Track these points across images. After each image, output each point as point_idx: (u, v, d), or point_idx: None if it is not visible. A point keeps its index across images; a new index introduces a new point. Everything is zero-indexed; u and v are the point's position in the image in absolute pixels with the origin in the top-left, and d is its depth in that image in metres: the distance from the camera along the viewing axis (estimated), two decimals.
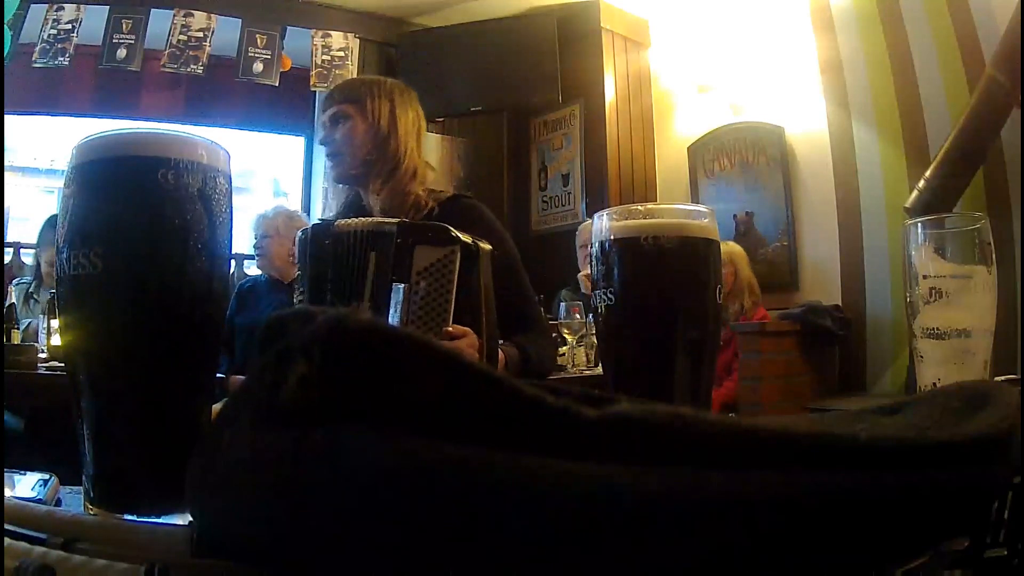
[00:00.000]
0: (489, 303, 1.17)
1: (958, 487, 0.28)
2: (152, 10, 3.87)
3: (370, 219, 1.17)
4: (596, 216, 0.67)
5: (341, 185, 1.56)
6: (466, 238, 1.11)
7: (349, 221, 1.16)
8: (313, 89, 4.31)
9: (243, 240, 4.10)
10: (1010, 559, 0.31)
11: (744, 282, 3.26)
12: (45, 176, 4.95)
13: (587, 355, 2.79)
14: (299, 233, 1.19)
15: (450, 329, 1.08)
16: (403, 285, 1.07)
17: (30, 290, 3.19)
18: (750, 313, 3.25)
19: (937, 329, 0.68)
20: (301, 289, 1.16)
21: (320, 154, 4.80)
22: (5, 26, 3.50)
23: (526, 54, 4.27)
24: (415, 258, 1.08)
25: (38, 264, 3.25)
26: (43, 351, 2.42)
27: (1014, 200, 2.89)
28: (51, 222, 3.26)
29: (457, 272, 1.09)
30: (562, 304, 2.79)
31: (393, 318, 1.06)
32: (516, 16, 4.39)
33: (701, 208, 0.66)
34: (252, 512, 0.30)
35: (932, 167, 2.94)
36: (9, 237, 3.95)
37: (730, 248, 3.26)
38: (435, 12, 4.53)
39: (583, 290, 3.17)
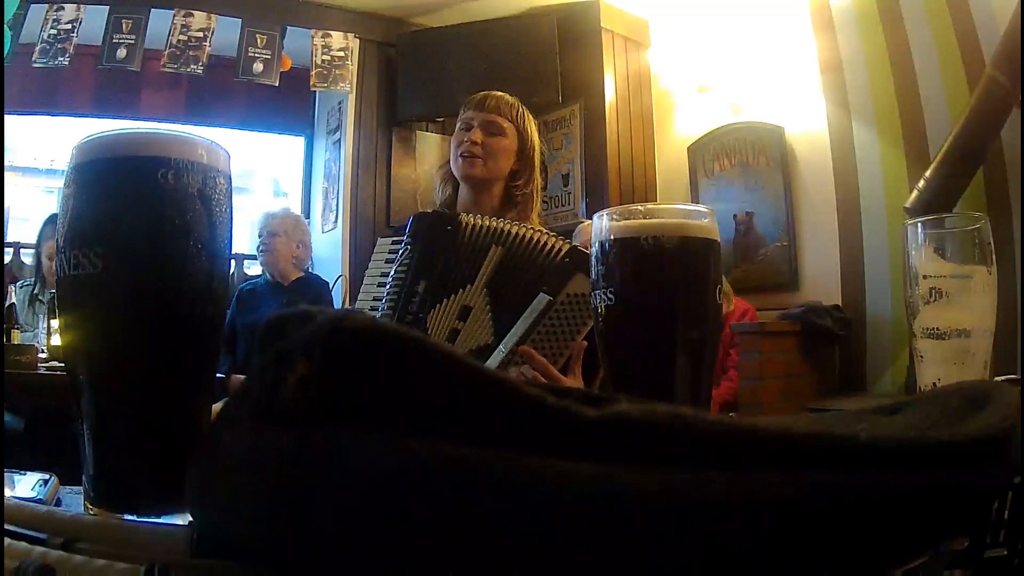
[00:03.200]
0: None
1: (958, 487, 0.28)
2: (152, 10, 3.87)
3: (529, 227, 1.24)
4: (596, 216, 0.67)
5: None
6: None
7: (485, 217, 1.24)
8: (313, 89, 4.32)
9: (243, 240, 4.10)
10: (1010, 559, 0.31)
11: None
12: (45, 176, 4.95)
13: None
14: (417, 217, 1.27)
15: (581, 345, 1.12)
16: (549, 298, 1.11)
17: (34, 291, 3.18)
18: (728, 308, 3.24)
19: (937, 329, 0.68)
20: (407, 261, 1.21)
21: (320, 154, 4.82)
22: (5, 26, 3.50)
23: (526, 54, 4.27)
24: (572, 281, 1.13)
25: (39, 264, 3.24)
26: (43, 351, 2.42)
27: (1014, 200, 2.89)
28: (51, 220, 3.26)
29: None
30: None
31: (523, 322, 1.11)
32: (516, 16, 4.39)
33: (701, 208, 0.66)
34: (252, 512, 0.30)
35: (932, 167, 2.94)
36: (9, 237, 3.96)
37: None
38: (435, 12, 4.53)
39: None
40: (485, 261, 1.18)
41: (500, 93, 1.54)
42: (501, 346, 1.12)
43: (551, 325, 1.11)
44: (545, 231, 1.25)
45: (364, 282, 1.30)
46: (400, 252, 1.23)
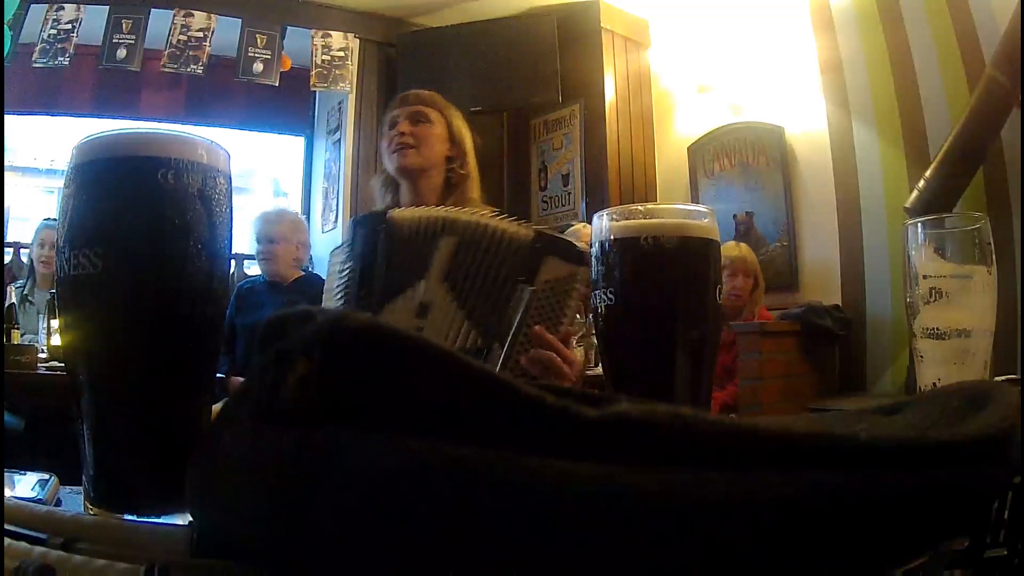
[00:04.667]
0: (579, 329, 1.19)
1: (958, 487, 0.28)
2: (152, 10, 3.87)
3: (478, 211, 1.20)
4: (596, 216, 0.67)
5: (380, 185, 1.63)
6: None
7: (418, 208, 1.20)
8: (313, 89, 4.32)
9: (243, 240, 4.11)
10: (1010, 559, 0.31)
11: (762, 290, 3.27)
12: (45, 176, 4.95)
13: (587, 355, 2.79)
14: (353, 220, 1.24)
15: (569, 330, 1.10)
16: (530, 288, 1.08)
17: (24, 292, 3.19)
18: (756, 312, 3.24)
19: (937, 329, 0.68)
20: (348, 271, 1.18)
21: (320, 154, 4.82)
22: (5, 26, 3.50)
23: (526, 54, 4.27)
24: (544, 267, 1.10)
25: (32, 265, 3.26)
26: (43, 351, 2.42)
27: (1014, 200, 2.89)
28: (45, 225, 3.28)
29: (577, 292, 1.10)
30: None
31: (513, 317, 1.07)
32: (516, 16, 4.39)
33: (701, 208, 0.66)
34: (252, 512, 0.30)
35: (932, 167, 2.94)
36: (9, 237, 3.96)
37: (746, 255, 3.24)
38: (435, 12, 4.53)
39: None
40: (436, 254, 1.13)
41: (420, 90, 1.59)
42: (499, 347, 1.10)
43: (536, 315, 1.09)
44: (495, 213, 1.22)
45: (323, 299, 1.26)
46: (342, 262, 1.20)
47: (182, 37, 3.93)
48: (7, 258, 3.81)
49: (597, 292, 0.65)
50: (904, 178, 3.28)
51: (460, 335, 1.11)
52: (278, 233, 3.19)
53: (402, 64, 4.42)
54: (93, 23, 3.80)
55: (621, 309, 0.63)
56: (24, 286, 3.24)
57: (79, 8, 3.78)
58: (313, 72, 4.20)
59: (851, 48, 3.56)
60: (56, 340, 2.39)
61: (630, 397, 0.30)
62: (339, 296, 1.17)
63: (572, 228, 3.51)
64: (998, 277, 0.68)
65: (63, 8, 3.77)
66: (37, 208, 4.70)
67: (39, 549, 0.35)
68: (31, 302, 3.16)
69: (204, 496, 0.34)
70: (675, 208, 0.66)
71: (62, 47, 3.75)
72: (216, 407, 0.43)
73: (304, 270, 3.45)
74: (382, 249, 1.15)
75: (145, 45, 3.86)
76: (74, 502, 0.52)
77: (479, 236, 1.13)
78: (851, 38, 3.56)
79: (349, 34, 4.30)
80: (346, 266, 1.18)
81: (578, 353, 2.87)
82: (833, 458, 0.26)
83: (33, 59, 3.73)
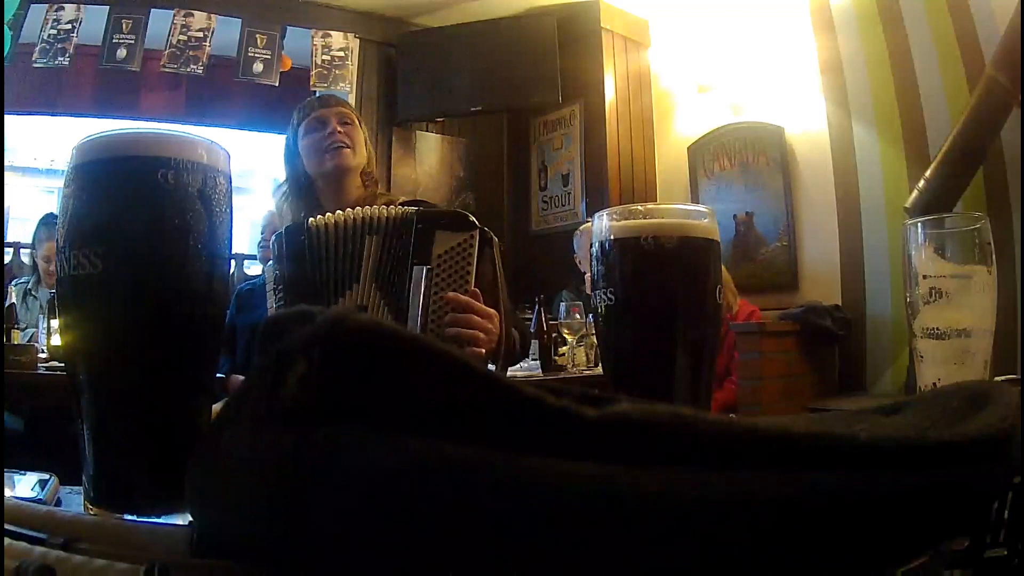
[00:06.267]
0: (503, 288, 1.21)
1: (958, 487, 0.28)
2: (152, 10, 3.87)
3: (381, 207, 1.20)
4: (596, 216, 0.67)
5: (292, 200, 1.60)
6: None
7: (335, 213, 1.17)
8: (313, 89, 4.31)
9: (243, 240, 4.10)
10: (1010, 559, 0.31)
11: (728, 285, 3.25)
12: (45, 176, 4.95)
13: (587, 355, 2.79)
14: (274, 238, 1.20)
15: (476, 291, 1.11)
16: (426, 267, 1.10)
17: (28, 288, 3.20)
18: (734, 308, 3.23)
19: (937, 329, 0.68)
20: (280, 291, 1.16)
21: None
22: (5, 26, 3.50)
23: (526, 54, 4.27)
24: (435, 242, 1.11)
25: (35, 263, 3.26)
26: (43, 351, 2.42)
27: (1014, 200, 2.90)
28: (44, 220, 3.28)
29: (476, 257, 1.12)
30: (562, 304, 2.79)
31: (414, 299, 1.09)
32: (516, 16, 4.40)
33: (701, 208, 0.66)
34: (252, 512, 0.30)
35: (932, 167, 2.94)
36: (9, 237, 3.96)
37: None
38: (435, 12, 4.53)
39: (587, 290, 3.17)
40: (364, 255, 1.13)
41: (330, 94, 1.61)
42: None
43: (438, 290, 1.11)
44: (395, 203, 1.20)
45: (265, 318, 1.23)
46: (274, 280, 1.18)
47: (182, 37, 3.93)
48: (7, 258, 3.81)
49: (597, 292, 0.65)
50: (904, 178, 3.29)
51: None
52: None
53: (402, 64, 4.42)
54: (93, 23, 3.80)
55: (621, 309, 0.63)
56: (28, 281, 3.24)
57: (79, 8, 3.78)
58: (313, 72, 4.20)
59: (851, 48, 3.56)
60: (56, 340, 2.39)
61: (630, 397, 0.30)
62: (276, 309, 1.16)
63: (584, 226, 3.52)
64: (998, 277, 0.68)
65: (63, 8, 3.77)
66: (37, 208, 4.70)
67: (39, 549, 0.35)
68: (34, 296, 3.17)
69: (204, 496, 0.34)
70: (675, 208, 0.66)
71: (62, 47, 3.75)
72: (216, 407, 0.43)
73: None
74: (311, 257, 1.14)
75: (145, 45, 3.86)
76: (74, 502, 0.52)
77: (391, 229, 1.14)
78: (851, 38, 3.56)
79: (349, 34, 4.30)
80: (279, 285, 1.16)
81: (579, 353, 2.88)
82: (833, 458, 0.26)
83: (33, 59, 3.73)
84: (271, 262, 1.20)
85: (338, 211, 1.18)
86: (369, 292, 1.12)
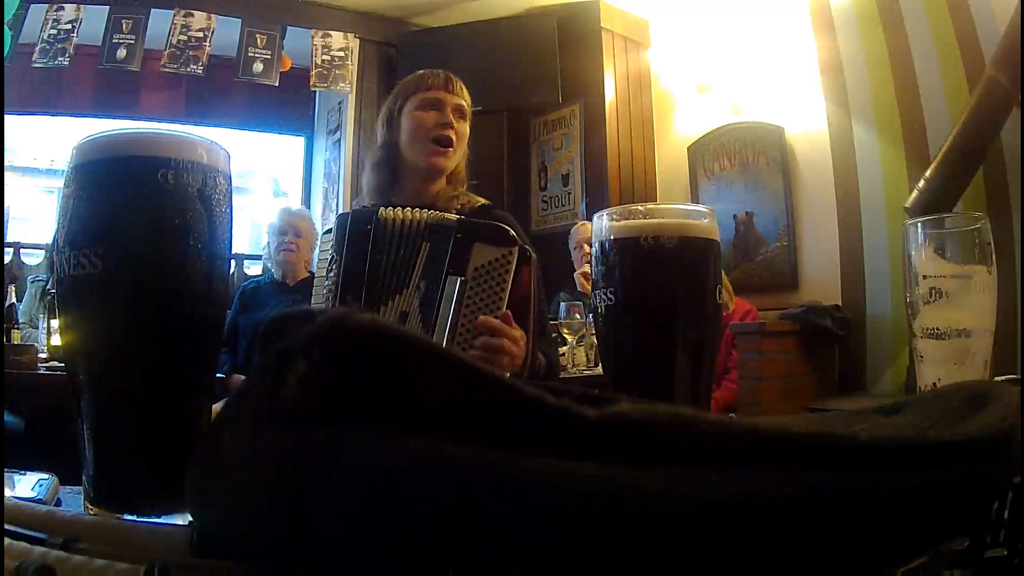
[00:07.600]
0: (535, 308, 1.18)
1: (958, 487, 0.28)
2: (152, 10, 3.87)
3: (430, 211, 1.17)
4: (596, 216, 0.67)
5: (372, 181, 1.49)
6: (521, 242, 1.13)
7: (403, 210, 1.15)
8: (313, 89, 4.32)
9: (243, 240, 4.10)
10: (1010, 559, 0.31)
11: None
12: (45, 176, 4.95)
13: (587, 355, 2.79)
14: (338, 218, 1.18)
15: (507, 313, 1.09)
16: (460, 279, 1.08)
17: (46, 287, 3.19)
18: (730, 307, 3.22)
19: (937, 329, 0.68)
20: (333, 276, 1.15)
21: (320, 154, 4.82)
22: (5, 26, 3.50)
23: (526, 54, 4.27)
24: (473, 255, 1.09)
25: (51, 261, 3.26)
26: (43, 351, 2.42)
27: (1014, 200, 2.89)
28: None
29: (512, 274, 1.09)
30: (562, 304, 2.79)
31: (444, 311, 1.07)
32: (516, 16, 4.40)
33: (701, 208, 0.66)
34: (252, 512, 0.29)
35: (932, 167, 2.94)
36: (9, 237, 3.96)
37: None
38: (435, 12, 4.53)
39: (579, 289, 3.17)
40: (417, 260, 1.11)
41: (459, 81, 1.44)
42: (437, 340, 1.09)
43: (471, 304, 1.08)
44: (473, 205, 1.16)
45: (315, 283, 1.22)
46: (328, 261, 1.16)
47: (182, 37, 3.93)
48: (7, 258, 3.81)
49: (597, 292, 0.65)
50: (904, 178, 3.28)
51: None
52: (304, 228, 3.21)
53: (402, 64, 4.42)
54: (93, 23, 3.80)
55: (621, 309, 0.63)
56: (47, 281, 3.24)
57: (79, 8, 3.78)
58: (313, 72, 4.20)
59: (851, 48, 3.56)
60: (56, 340, 2.39)
61: (630, 397, 0.30)
62: (326, 297, 1.15)
63: (575, 226, 3.52)
64: (998, 277, 0.68)
65: (63, 8, 3.77)
66: (37, 208, 4.70)
67: (39, 549, 0.35)
68: (52, 293, 3.17)
69: (204, 496, 0.34)
70: (675, 208, 0.66)
71: (62, 47, 3.75)
72: (216, 407, 0.43)
73: (310, 271, 3.46)
74: (371, 250, 1.13)
75: (145, 45, 3.86)
76: (74, 502, 0.52)
77: (441, 237, 1.12)
78: (851, 38, 3.56)
79: (349, 34, 4.30)
80: (332, 266, 1.16)
81: (579, 353, 2.87)
82: (833, 458, 0.26)
83: (33, 59, 3.74)
84: (331, 239, 1.18)
85: (407, 208, 1.16)
86: (412, 300, 1.11)
